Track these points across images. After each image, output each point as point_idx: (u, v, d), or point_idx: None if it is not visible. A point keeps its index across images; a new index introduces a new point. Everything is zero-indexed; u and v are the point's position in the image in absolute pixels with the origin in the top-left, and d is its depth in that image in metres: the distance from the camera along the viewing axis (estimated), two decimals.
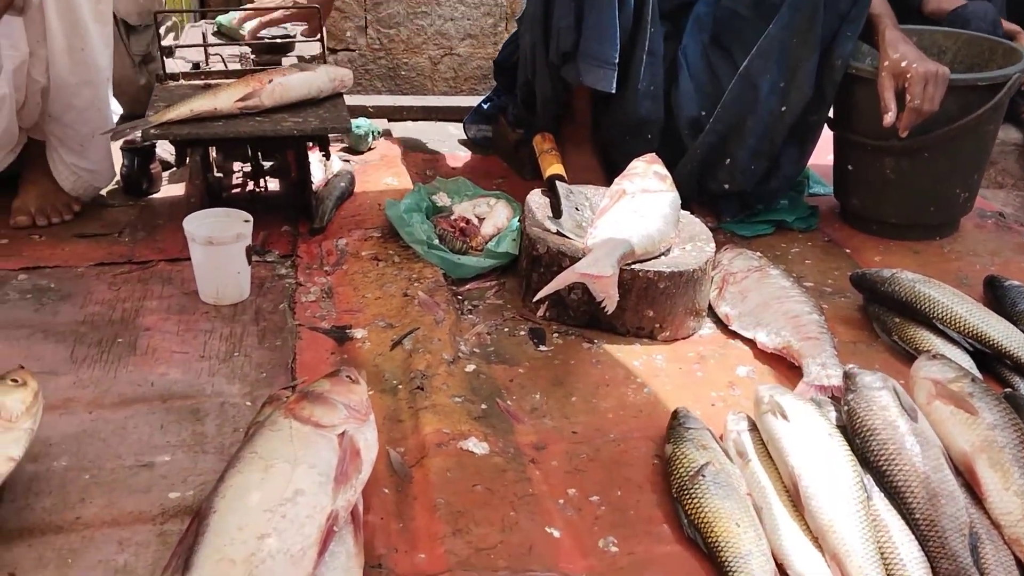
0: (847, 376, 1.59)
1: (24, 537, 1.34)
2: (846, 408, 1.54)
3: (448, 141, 2.90)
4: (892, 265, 2.04)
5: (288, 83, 2.18)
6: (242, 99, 2.11)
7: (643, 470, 1.53)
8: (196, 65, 2.45)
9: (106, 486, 1.44)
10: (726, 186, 2.30)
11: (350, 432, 1.34)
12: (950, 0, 3.58)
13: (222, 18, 2.67)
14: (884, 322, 1.92)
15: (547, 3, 2.17)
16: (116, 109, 2.42)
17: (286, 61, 2.43)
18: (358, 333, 1.86)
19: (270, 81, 2.15)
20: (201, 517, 1.22)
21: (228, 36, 2.60)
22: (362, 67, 4.12)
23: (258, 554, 1.16)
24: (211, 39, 2.57)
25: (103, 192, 2.38)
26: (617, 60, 2.12)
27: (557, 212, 2.03)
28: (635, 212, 1.91)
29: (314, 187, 2.33)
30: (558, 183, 2.12)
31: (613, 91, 2.16)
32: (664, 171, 2.05)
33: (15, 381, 1.43)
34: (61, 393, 1.65)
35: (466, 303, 2.01)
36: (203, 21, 2.93)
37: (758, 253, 2.10)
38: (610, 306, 1.72)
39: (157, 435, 1.56)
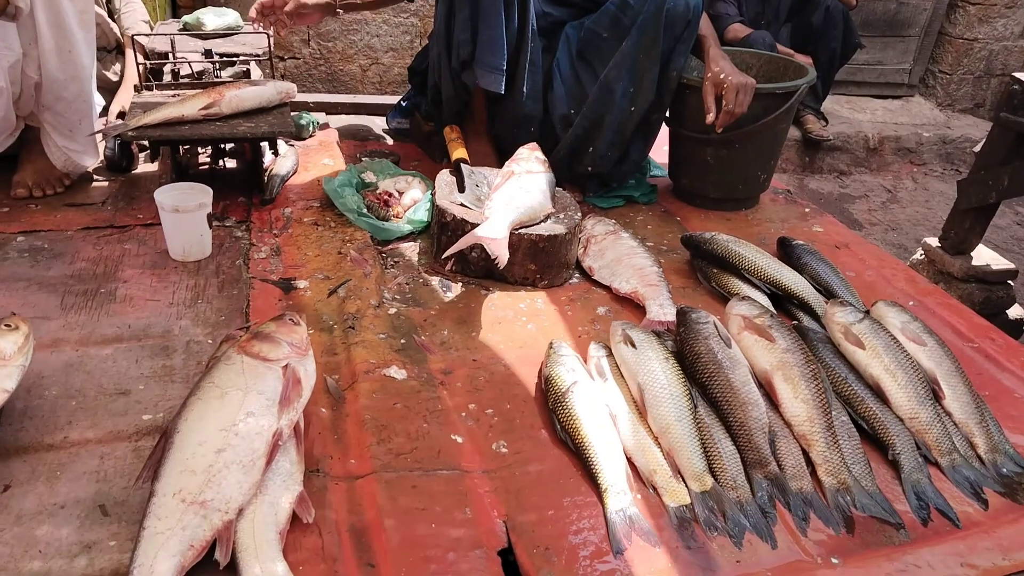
0: (679, 313, 1.58)
1: (19, 454, 1.23)
2: (679, 338, 1.53)
3: (374, 130, 2.77)
4: (711, 229, 2.04)
5: (243, 95, 2.05)
6: (205, 108, 1.98)
7: (527, 389, 1.49)
8: (162, 67, 2.28)
9: (90, 410, 1.33)
10: (589, 168, 2.26)
11: (292, 365, 1.27)
12: (739, 31, 3.70)
13: (187, 17, 2.48)
14: (705, 272, 1.92)
15: (448, 20, 2.08)
16: (99, 101, 2.22)
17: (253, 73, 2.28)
18: (301, 284, 1.77)
19: (228, 93, 2.02)
20: (167, 435, 1.14)
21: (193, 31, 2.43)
22: (306, 72, 3.95)
23: (215, 464, 1.10)
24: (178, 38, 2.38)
25: (89, 169, 2.18)
26: (505, 68, 2.05)
27: (461, 188, 1.96)
28: (521, 188, 1.85)
29: (265, 166, 2.19)
30: (462, 165, 2.04)
31: (502, 92, 2.09)
32: (542, 156, 2.01)
33: (8, 326, 1.30)
34: (52, 334, 1.52)
35: (389, 260, 1.93)
36: (171, 19, 2.73)
37: (613, 220, 2.07)
38: (502, 262, 1.67)
39: (133, 368, 1.44)
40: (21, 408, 1.31)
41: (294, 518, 1.12)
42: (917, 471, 1.33)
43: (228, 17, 2.50)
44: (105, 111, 2.40)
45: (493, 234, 1.68)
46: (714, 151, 2.26)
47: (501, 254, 1.66)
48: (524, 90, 2.13)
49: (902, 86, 5.13)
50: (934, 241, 3.08)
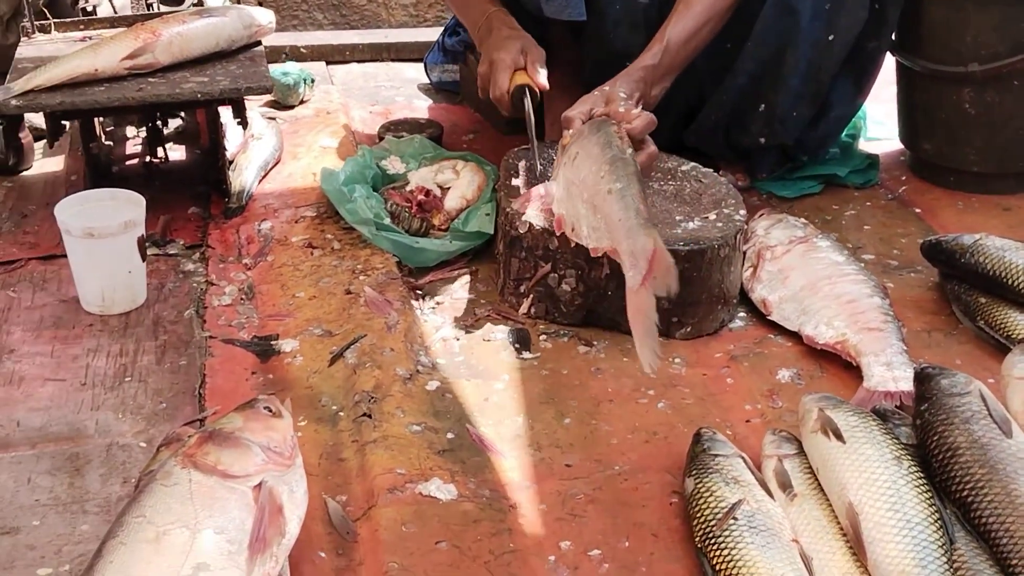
0: (920, 378, 1.54)
1: None
2: (919, 421, 1.49)
3: (404, 87, 2.85)
4: (975, 228, 1.99)
5: (189, 32, 2.15)
6: (130, 55, 2.08)
7: (657, 512, 1.48)
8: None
9: None
10: (762, 139, 2.26)
11: (269, 483, 1.30)
12: None
13: None
14: (966, 303, 1.87)
15: None
16: None
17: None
18: (287, 345, 1.81)
19: (166, 32, 2.11)
20: None
21: None
22: None
23: None
24: None
25: None
26: None
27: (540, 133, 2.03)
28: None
29: (229, 155, 2.28)
30: (527, 102, 2.04)
31: (583, 18, 2.13)
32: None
33: None
34: None
35: (427, 300, 1.96)
36: None
37: (803, 219, 2.05)
38: (673, 285, 1.58)
39: (23, 492, 1.50)
40: None
41: None
42: None
43: None
44: None
45: (645, 249, 1.57)
46: (977, 94, 2.22)
47: (670, 271, 1.57)
48: (611, 14, 2.16)
49: None
50: None
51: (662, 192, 1.97)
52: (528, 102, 2.01)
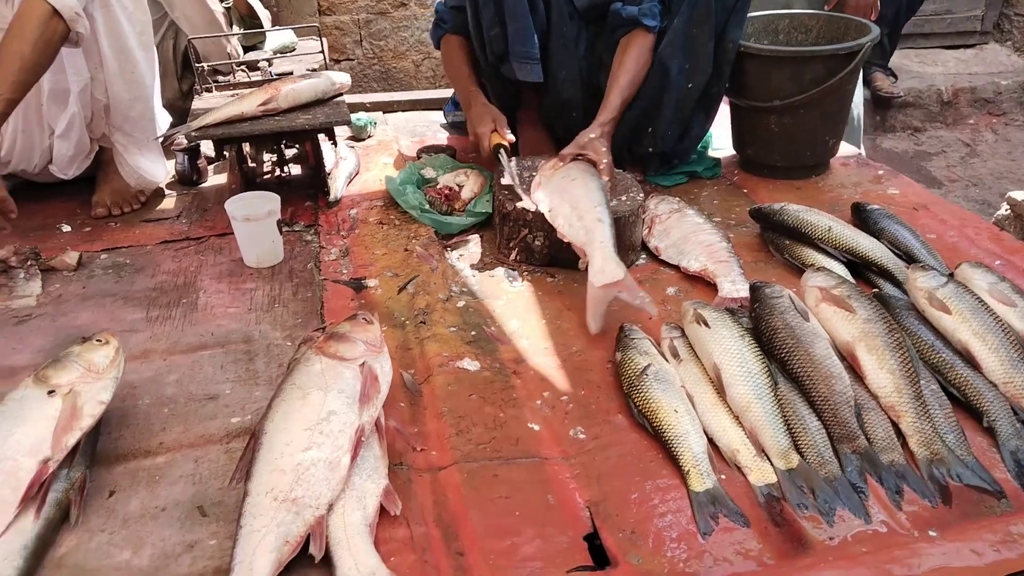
0: (753, 289, 1.55)
1: (120, 461, 1.30)
2: (753, 315, 1.51)
3: (431, 126, 2.80)
4: (780, 200, 1.98)
5: (299, 88, 2.11)
6: (263, 103, 2.05)
7: (600, 373, 1.49)
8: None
9: (181, 416, 1.40)
10: (650, 149, 2.23)
11: (369, 362, 1.30)
12: None
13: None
14: (777, 244, 1.87)
15: (477, 19, 2.08)
16: (166, 120, 2.30)
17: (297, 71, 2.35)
18: (371, 283, 1.80)
19: (284, 88, 2.08)
20: (256, 437, 1.19)
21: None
22: (360, 72, 4.00)
23: (303, 463, 1.14)
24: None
25: (162, 185, 2.28)
26: (538, 55, 2.04)
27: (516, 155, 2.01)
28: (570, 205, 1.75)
29: (327, 169, 2.24)
30: (501, 153, 1.99)
31: (541, 80, 2.08)
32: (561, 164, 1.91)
33: (99, 341, 1.37)
34: (141, 346, 1.59)
35: (454, 253, 1.95)
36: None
37: (677, 198, 2.04)
38: (649, 311, 1.53)
39: (219, 374, 1.50)
40: (118, 418, 1.38)
41: (382, 511, 1.15)
42: (1016, 437, 1.28)
43: (284, 36, 2.60)
44: (171, 127, 2.49)
45: (615, 276, 1.55)
46: (778, 119, 2.20)
47: (639, 296, 1.53)
48: (560, 76, 2.11)
49: (974, 34, 4.87)
50: (1020, 194, 2.93)
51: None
52: (503, 154, 1.98)
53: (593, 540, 1.13)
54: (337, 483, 1.14)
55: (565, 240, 1.69)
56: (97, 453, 1.29)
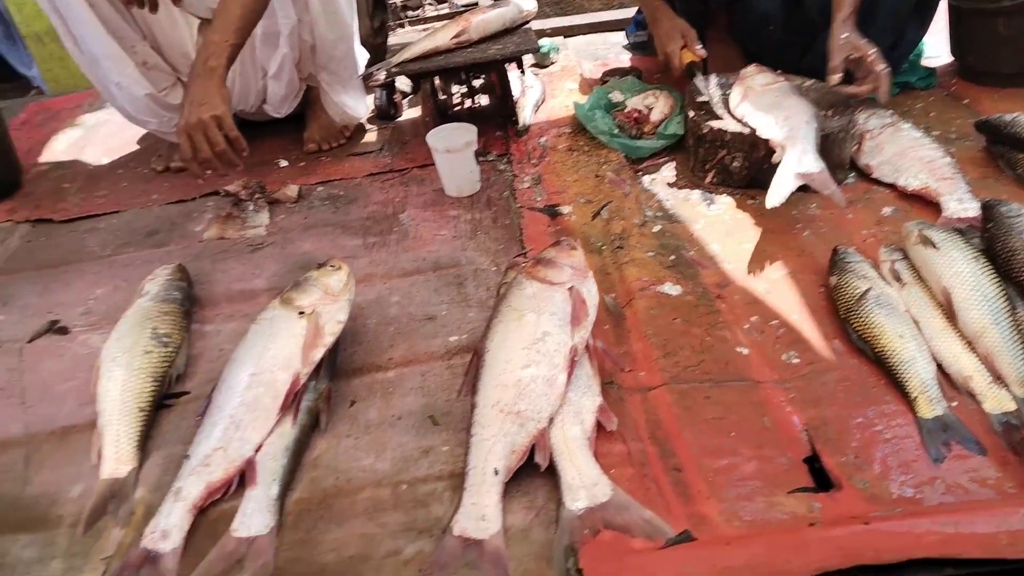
0: (985, 207, 1.43)
1: (357, 375, 1.43)
2: (986, 235, 1.39)
3: (613, 48, 2.75)
4: (1009, 111, 1.78)
5: (488, 18, 2.14)
6: (455, 36, 2.10)
7: (811, 298, 1.44)
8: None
9: (405, 335, 1.51)
10: None
11: (576, 286, 1.34)
12: None
13: None
14: (1009, 159, 1.71)
15: None
16: (364, 58, 2.42)
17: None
18: (565, 209, 1.83)
19: (474, 19, 2.12)
20: (478, 355, 1.27)
21: None
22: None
23: (523, 379, 1.20)
24: None
25: (363, 120, 2.40)
26: None
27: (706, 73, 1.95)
28: (782, 96, 1.73)
29: (515, 99, 2.26)
30: (696, 73, 1.95)
31: None
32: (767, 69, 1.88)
33: (333, 267, 1.50)
34: (362, 271, 1.71)
35: (646, 177, 1.93)
36: None
37: (890, 111, 1.89)
38: (839, 200, 1.55)
39: (434, 296, 1.60)
40: (351, 336, 1.52)
41: (598, 427, 1.20)
42: None
43: None
44: (369, 63, 2.61)
45: (811, 167, 1.53)
46: (1007, 20, 1.98)
47: (833, 190, 1.52)
48: None
49: None
50: None
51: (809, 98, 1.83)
52: (698, 73, 1.93)
53: (813, 463, 1.12)
54: (556, 399, 1.20)
55: (762, 148, 1.64)
56: (337, 367, 1.43)
